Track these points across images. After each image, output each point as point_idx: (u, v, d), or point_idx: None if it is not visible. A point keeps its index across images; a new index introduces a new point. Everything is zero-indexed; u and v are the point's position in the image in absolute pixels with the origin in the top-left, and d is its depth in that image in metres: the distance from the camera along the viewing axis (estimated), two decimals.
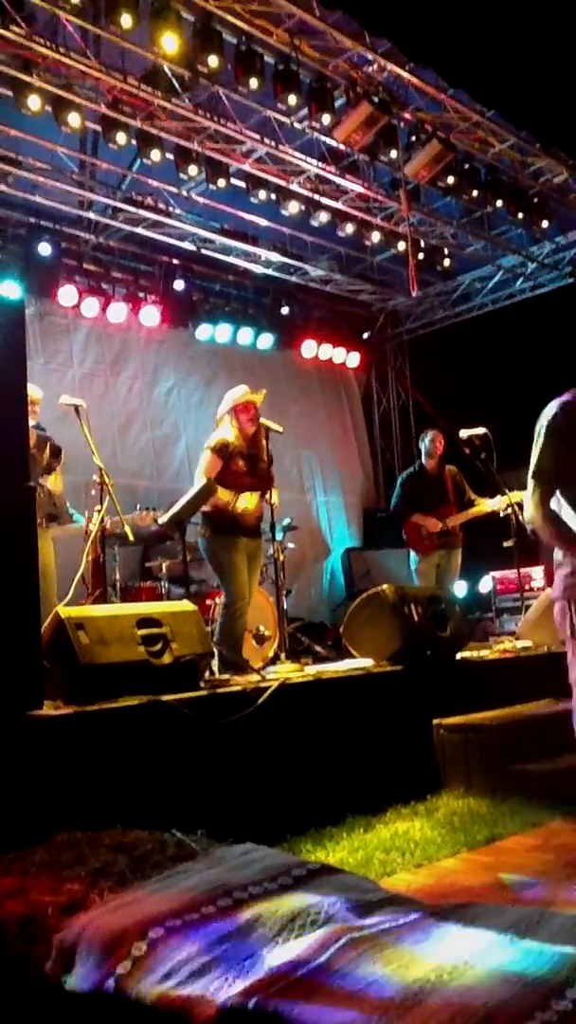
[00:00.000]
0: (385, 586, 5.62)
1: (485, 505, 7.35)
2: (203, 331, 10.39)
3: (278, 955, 1.86)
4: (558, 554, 3.02)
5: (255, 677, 4.86)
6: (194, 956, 1.89)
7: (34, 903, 2.21)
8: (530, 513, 3.04)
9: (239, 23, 6.68)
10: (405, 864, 3.72)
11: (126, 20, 6.14)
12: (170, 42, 6.42)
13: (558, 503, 2.86)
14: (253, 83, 6.93)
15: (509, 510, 6.95)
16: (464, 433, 6.96)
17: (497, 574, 9.94)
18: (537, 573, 9.28)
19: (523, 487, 3.27)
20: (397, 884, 3.35)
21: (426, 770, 4.82)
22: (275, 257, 10.05)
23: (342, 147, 7.84)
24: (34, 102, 6.84)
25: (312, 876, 2.32)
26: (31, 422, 5.26)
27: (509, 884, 3.35)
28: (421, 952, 1.83)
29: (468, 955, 1.79)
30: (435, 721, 4.92)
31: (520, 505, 6.40)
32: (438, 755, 4.88)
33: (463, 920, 1.97)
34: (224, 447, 6.02)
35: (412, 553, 7.85)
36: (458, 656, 5.71)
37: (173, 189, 8.57)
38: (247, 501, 6.05)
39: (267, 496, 6.11)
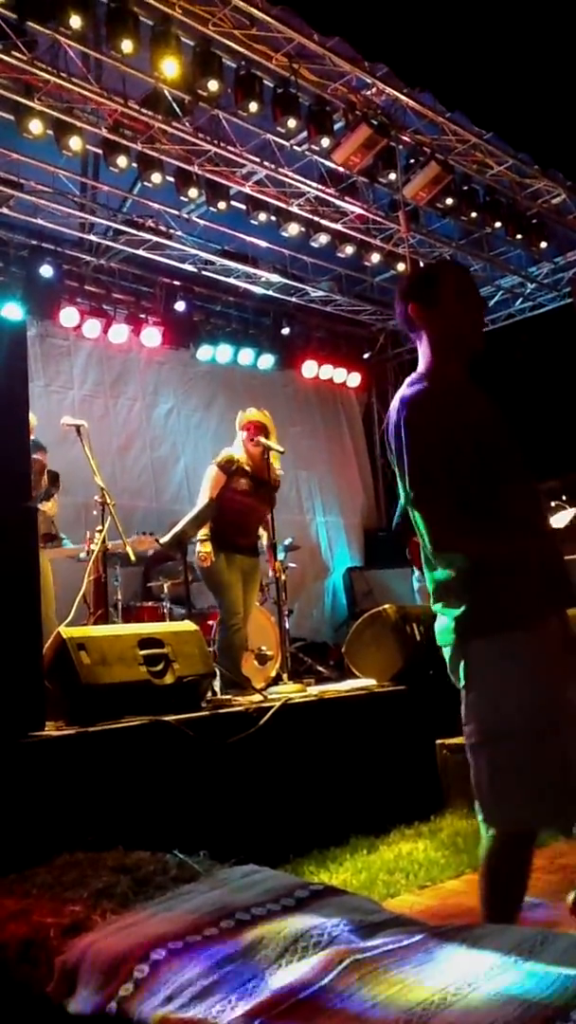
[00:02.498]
0: (387, 606, 5.62)
1: None
2: (204, 352, 10.43)
3: (281, 977, 1.85)
4: (439, 584, 2.47)
5: (257, 697, 4.84)
6: (196, 978, 1.88)
7: (36, 925, 2.19)
8: (437, 533, 2.39)
9: (239, 48, 6.75)
10: (409, 885, 3.70)
11: (127, 45, 6.21)
12: (170, 66, 6.48)
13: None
14: (253, 106, 6.99)
15: None
16: None
17: None
18: None
19: None
20: (401, 906, 3.34)
21: (430, 791, 4.80)
22: (275, 278, 10.11)
23: (341, 169, 7.90)
24: (36, 126, 6.91)
25: (315, 897, 2.31)
26: None
27: None
28: (424, 974, 1.82)
29: (471, 977, 1.77)
30: (438, 741, 4.90)
31: None
32: (442, 775, 4.86)
33: (467, 942, 1.95)
34: (229, 462, 6.06)
35: (414, 571, 7.83)
36: None
37: (174, 211, 8.63)
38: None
39: (266, 518, 6.15)
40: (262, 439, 6.12)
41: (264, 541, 6.29)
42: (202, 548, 5.89)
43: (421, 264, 9.70)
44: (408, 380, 2.56)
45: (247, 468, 6.09)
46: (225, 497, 5.97)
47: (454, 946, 1.93)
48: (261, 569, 6.43)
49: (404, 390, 2.51)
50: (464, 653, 2.42)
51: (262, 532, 6.29)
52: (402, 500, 2.49)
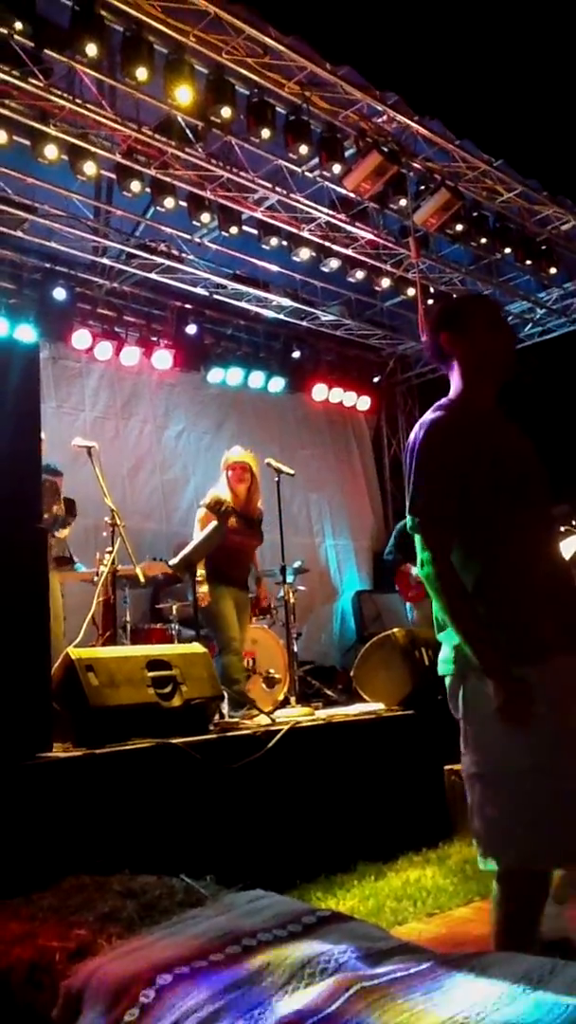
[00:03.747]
0: (396, 630, 5.61)
1: None
2: (215, 375, 10.47)
3: (287, 1004, 1.83)
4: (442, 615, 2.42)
5: (265, 720, 4.83)
6: (202, 1004, 1.86)
7: (42, 949, 2.18)
8: (420, 560, 2.42)
9: (251, 76, 6.82)
10: (417, 913, 3.67)
11: (141, 73, 6.29)
12: (184, 94, 6.56)
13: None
14: (265, 133, 7.06)
15: None
16: None
17: None
18: None
19: None
20: (409, 933, 3.31)
21: (437, 817, 4.77)
22: (286, 302, 10.16)
23: (352, 195, 7.96)
24: (51, 151, 6.99)
25: (322, 924, 2.29)
26: None
27: None
28: (432, 1002, 1.80)
29: (480, 1006, 1.75)
30: (447, 767, 4.87)
31: None
32: (449, 801, 4.83)
33: (475, 970, 1.94)
34: (217, 504, 6.17)
35: (408, 603, 7.82)
36: None
37: (186, 236, 8.69)
38: None
39: (256, 553, 6.29)
40: (272, 461, 6.19)
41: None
42: (200, 589, 5.92)
43: (432, 290, 9.75)
44: (434, 405, 2.56)
45: (235, 507, 6.20)
46: None
47: (462, 974, 1.91)
48: (255, 595, 6.55)
49: (428, 414, 2.51)
50: (463, 684, 2.40)
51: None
52: (408, 523, 2.49)
